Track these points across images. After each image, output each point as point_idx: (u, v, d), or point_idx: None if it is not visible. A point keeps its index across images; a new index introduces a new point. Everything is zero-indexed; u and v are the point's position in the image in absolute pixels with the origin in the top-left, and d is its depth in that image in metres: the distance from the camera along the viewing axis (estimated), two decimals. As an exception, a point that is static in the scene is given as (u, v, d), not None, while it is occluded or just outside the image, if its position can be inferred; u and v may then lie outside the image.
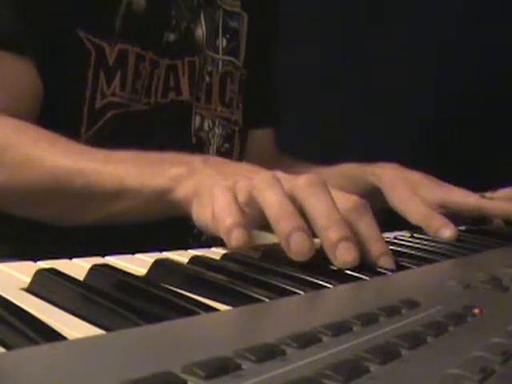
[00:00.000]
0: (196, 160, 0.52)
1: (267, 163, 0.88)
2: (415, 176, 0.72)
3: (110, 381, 0.18)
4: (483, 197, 0.71)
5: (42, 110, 0.65)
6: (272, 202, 0.41)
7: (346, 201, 0.44)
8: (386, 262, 0.43)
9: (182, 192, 0.50)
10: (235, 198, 0.43)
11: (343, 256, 0.40)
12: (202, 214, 0.47)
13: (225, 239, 0.41)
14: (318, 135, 1.29)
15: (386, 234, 0.62)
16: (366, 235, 0.43)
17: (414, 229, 0.70)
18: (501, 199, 0.71)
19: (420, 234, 0.66)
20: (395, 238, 0.61)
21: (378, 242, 0.43)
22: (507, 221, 0.74)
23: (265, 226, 0.43)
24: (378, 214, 0.67)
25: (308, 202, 0.42)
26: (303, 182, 0.43)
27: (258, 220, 0.43)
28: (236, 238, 0.40)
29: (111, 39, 0.66)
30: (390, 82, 1.26)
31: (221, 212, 0.42)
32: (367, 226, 0.43)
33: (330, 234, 0.40)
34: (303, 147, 1.17)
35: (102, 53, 0.65)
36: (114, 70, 0.66)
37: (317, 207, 0.41)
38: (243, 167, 0.53)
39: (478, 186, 0.73)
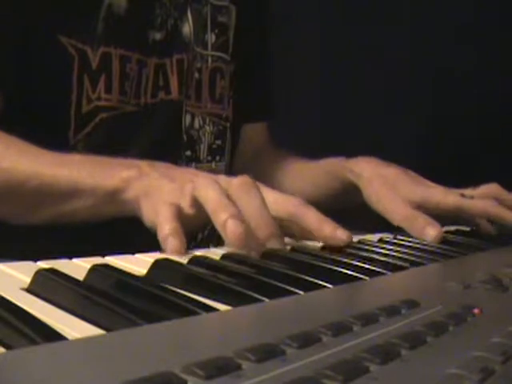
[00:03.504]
0: (143, 164, 0.55)
1: (260, 156, 0.88)
2: (393, 172, 0.70)
3: (110, 381, 0.18)
4: (463, 195, 0.68)
5: (29, 115, 0.66)
6: (210, 198, 0.47)
7: (283, 201, 0.51)
8: (340, 233, 0.50)
9: (131, 193, 0.53)
10: (177, 212, 0.48)
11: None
12: (150, 215, 0.50)
13: (162, 245, 0.46)
14: (317, 134, 1.29)
15: (386, 235, 0.62)
16: (312, 226, 0.50)
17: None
18: (480, 197, 0.69)
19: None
20: (395, 238, 0.61)
21: (325, 224, 0.50)
22: (491, 220, 0.71)
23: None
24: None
25: (240, 201, 0.47)
26: (237, 183, 0.49)
27: (203, 217, 0.47)
28: (170, 244, 0.45)
29: (93, 43, 0.65)
30: (389, 81, 1.26)
31: (162, 222, 0.46)
32: (313, 216, 0.50)
33: (260, 232, 0.46)
34: (303, 146, 1.17)
35: (84, 57, 0.65)
36: (98, 74, 0.66)
37: (248, 207, 0.47)
38: (187, 171, 0.56)
39: (477, 185, 0.72)
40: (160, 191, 0.51)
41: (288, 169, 0.85)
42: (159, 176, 0.52)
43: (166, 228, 0.45)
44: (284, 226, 0.51)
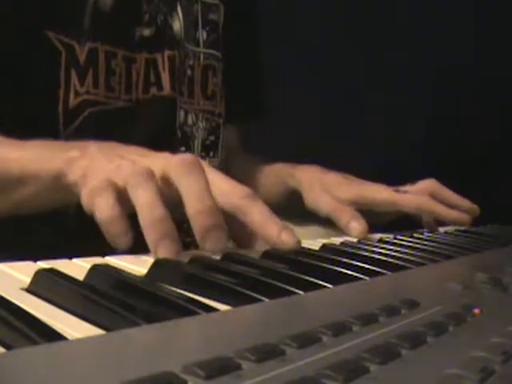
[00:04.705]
0: (91, 145, 0.51)
1: (230, 157, 0.88)
2: (331, 176, 0.74)
3: (110, 381, 0.18)
4: (397, 191, 0.71)
5: (18, 110, 0.66)
6: (140, 200, 0.42)
7: (228, 190, 0.46)
8: (286, 237, 0.45)
9: (72, 175, 0.49)
10: (115, 192, 0.43)
11: (214, 245, 0.42)
12: (87, 199, 0.46)
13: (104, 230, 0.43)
14: (316, 134, 1.29)
15: (386, 235, 0.62)
16: (255, 223, 0.45)
17: (413, 229, 0.70)
18: (415, 193, 0.71)
19: (420, 233, 0.66)
20: (395, 237, 0.61)
21: (271, 223, 0.45)
22: (440, 221, 0.72)
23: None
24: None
25: (181, 183, 0.43)
26: (176, 162, 0.44)
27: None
28: (122, 243, 0.42)
29: (80, 38, 0.66)
30: (389, 82, 1.26)
31: (106, 220, 0.43)
32: (258, 212, 0.45)
33: (200, 221, 0.42)
34: (302, 146, 1.17)
35: (72, 52, 0.65)
36: (85, 69, 0.66)
37: (189, 189, 0.43)
38: (131, 150, 0.52)
39: (479, 187, 0.72)
40: (97, 172, 0.46)
41: (247, 173, 0.85)
42: (100, 156, 0.48)
43: (106, 214, 0.42)
44: (224, 219, 0.45)
